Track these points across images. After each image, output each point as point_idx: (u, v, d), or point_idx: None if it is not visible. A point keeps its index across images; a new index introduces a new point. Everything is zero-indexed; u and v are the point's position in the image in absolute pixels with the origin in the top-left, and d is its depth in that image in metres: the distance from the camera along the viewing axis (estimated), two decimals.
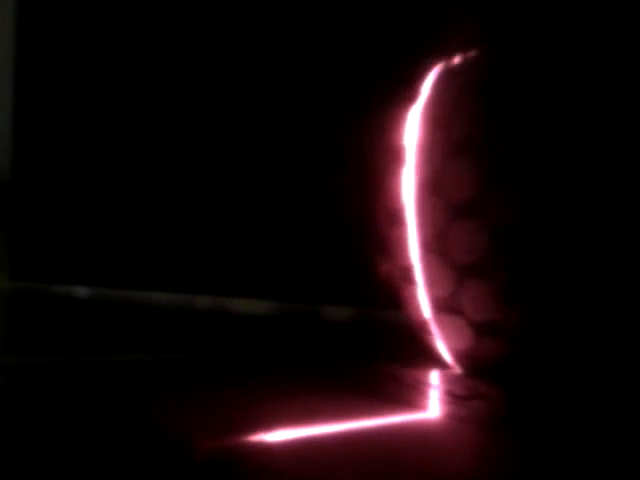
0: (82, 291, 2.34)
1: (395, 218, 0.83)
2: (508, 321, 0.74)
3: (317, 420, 0.65)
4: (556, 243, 0.71)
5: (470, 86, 0.78)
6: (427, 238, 0.79)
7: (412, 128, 0.82)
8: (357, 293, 1.55)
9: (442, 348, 0.85)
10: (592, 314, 0.72)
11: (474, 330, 0.78)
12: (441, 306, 0.80)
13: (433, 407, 0.77)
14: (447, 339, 0.83)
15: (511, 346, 0.76)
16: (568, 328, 0.73)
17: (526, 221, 0.72)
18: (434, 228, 0.78)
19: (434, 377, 0.89)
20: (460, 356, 0.84)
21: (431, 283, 0.80)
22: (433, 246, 0.78)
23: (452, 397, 0.76)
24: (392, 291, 0.90)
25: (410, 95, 0.83)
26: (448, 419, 0.71)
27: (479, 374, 0.83)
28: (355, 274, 1.52)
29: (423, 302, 0.83)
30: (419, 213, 0.80)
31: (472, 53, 0.80)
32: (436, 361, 0.89)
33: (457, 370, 0.87)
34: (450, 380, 0.85)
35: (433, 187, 0.78)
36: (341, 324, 1.58)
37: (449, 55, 0.82)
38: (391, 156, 0.83)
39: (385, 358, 1.04)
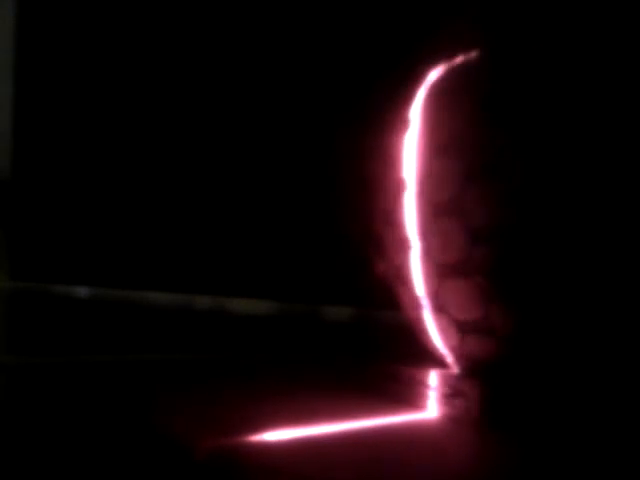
0: (82, 291, 2.34)
1: (387, 218, 0.84)
2: (491, 320, 0.75)
3: (317, 420, 0.65)
4: (534, 244, 0.72)
5: (460, 88, 0.78)
6: (413, 237, 0.80)
7: (408, 130, 0.82)
8: (357, 293, 1.55)
9: (437, 347, 0.85)
10: (571, 311, 0.72)
11: (459, 329, 0.78)
12: (429, 305, 0.81)
13: (433, 407, 0.77)
14: (438, 338, 0.83)
15: (496, 345, 0.76)
16: (550, 327, 0.73)
17: (502, 221, 0.72)
18: (418, 227, 0.79)
19: (433, 377, 0.89)
20: (455, 356, 0.84)
21: (418, 282, 0.81)
22: (418, 245, 0.79)
23: (448, 397, 0.77)
24: (389, 291, 0.90)
25: (407, 97, 0.83)
26: (447, 419, 0.72)
27: (475, 373, 0.83)
28: (355, 274, 1.52)
29: (414, 301, 0.83)
30: (406, 213, 0.81)
31: (471, 55, 0.80)
32: (435, 361, 0.89)
33: (455, 370, 0.87)
34: (448, 380, 0.85)
35: (417, 188, 0.79)
36: (341, 324, 1.58)
37: (449, 57, 0.82)
38: (387, 157, 0.84)
39: (385, 358, 1.04)
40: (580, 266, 0.70)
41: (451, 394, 0.78)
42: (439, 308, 0.80)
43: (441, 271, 0.78)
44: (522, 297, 0.73)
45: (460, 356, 0.83)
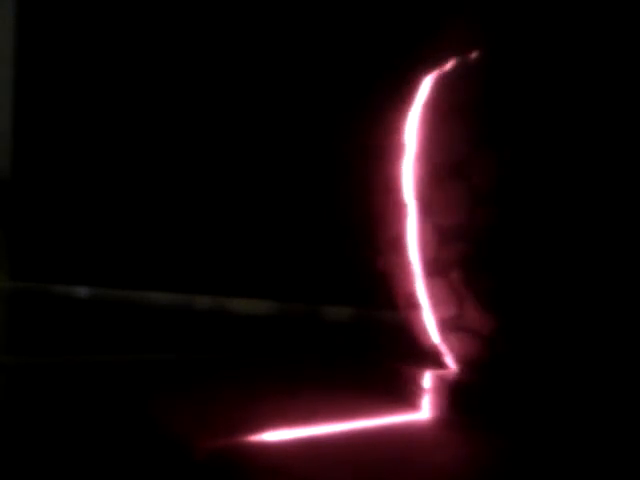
0: (82, 291, 2.34)
1: (384, 217, 0.85)
2: (466, 318, 0.75)
3: (316, 420, 0.65)
4: (507, 243, 0.72)
5: (454, 89, 0.79)
6: (393, 237, 0.81)
7: (405, 131, 0.83)
8: (357, 293, 1.55)
9: (435, 346, 0.85)
10: (556, 309, 0.72)
11: (440, 327, 0.79)
12: (421, 303, 0.81)
13: (433, 407, 0.77)
14: (436, 337, 0.84)
15: (476, 343, 0.77)
16: (524, 326, 0.73)
17: (475, 220, 0.73)
18: (396, 226, 0.80)
19: (433, 377, 0.89)
20: (453, 355, 0.84)
21: (412, 279, 0.81)
22: (398, 244, 0.80)
23: (446, 396, 0.77)
24: (389, 290, 0.90)
25: (406, 97, 0.83)
26: (446, 419, 0.72)
27: (470, 372, 0.83)
28: (355, 274, 1.52)
29: (410, 299, 0.83)
30: (384, 214, 0.82)
31: (469, 56, 0.80)
32: (434, 361, 0.89)
33: (453, 369, 0.87)
34: (446, 380, 0.85)
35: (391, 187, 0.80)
36: (341, 324, 1.58)
37: (448, 58, 0.82)
38: (385, 158, 0.84)
39: (384, 358, 1.04)
40: (561, 264, 0.71)
41: (448, 393, 0.78)
42: (421, 306, 0.81)
43: (421, 267, 0.79)
44: (502, 295, 0.74)
45: (457, 355, 0.83)
